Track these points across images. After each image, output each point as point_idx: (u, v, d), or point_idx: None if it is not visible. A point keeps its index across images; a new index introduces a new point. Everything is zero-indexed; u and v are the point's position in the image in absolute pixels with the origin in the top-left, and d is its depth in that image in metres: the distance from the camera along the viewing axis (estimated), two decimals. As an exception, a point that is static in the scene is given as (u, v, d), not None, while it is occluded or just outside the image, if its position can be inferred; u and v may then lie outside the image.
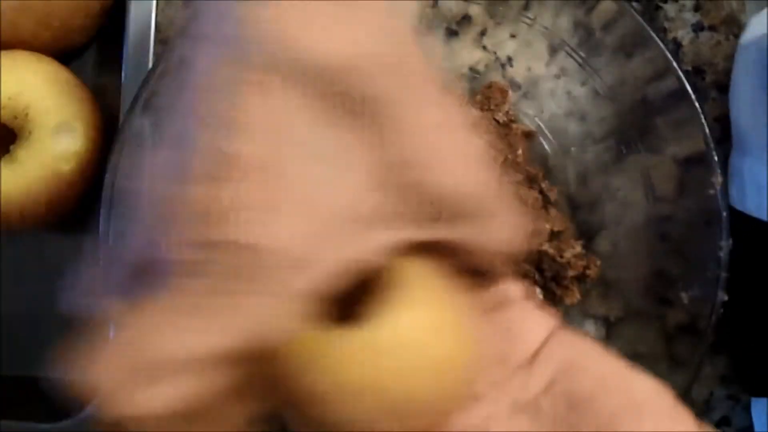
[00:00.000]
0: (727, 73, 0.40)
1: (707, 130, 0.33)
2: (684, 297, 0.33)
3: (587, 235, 0.37)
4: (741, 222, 0.34)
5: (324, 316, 0.22)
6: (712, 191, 0.32)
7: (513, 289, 0.27)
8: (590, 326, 0.37)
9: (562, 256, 0.34)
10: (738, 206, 0.33)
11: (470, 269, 0.26)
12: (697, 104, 0.34)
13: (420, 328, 0.22)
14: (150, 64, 0.37)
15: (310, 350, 0.21)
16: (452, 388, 0.23)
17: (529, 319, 0.26)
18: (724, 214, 0.31)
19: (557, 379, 0.24)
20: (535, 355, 0.25)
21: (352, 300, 0.23)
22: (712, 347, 0.39)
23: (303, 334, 0.21)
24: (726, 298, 0.31)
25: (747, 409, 0.39)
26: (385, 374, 0.21)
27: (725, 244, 0.31)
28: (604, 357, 0.25)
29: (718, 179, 0.32)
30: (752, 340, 0.36)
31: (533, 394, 0.24)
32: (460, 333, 0.23)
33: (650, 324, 0.35)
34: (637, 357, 0.35)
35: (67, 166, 0.35)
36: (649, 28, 0.34)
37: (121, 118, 0.36)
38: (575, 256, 0.35)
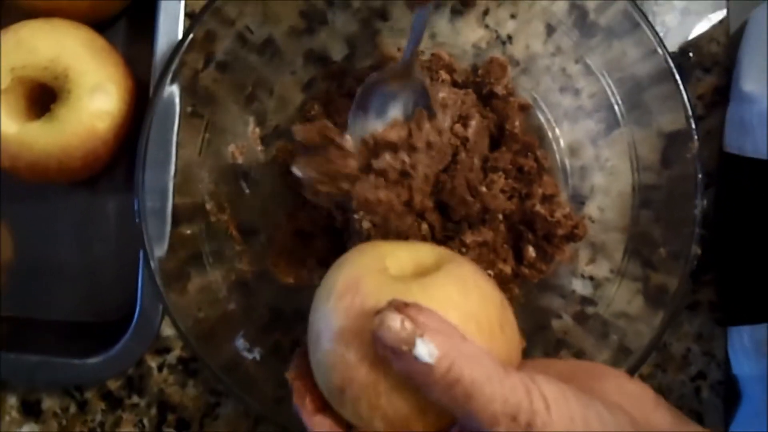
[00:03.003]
0: (711, 55, 0.43)
1: (689, 107, 0.36)
2: (662, 252, 0.36)
3: (578, 200, 0.40)
4: (731, 166, 0.38)
5: None
6: (689, 155, 0.35)
7: None
8: (578, 284, 0.40)
9: (553, 216, 0.37)
10: (734, 150, 0.38)
11: None
12: (680, 83, 0.36)
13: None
14: (179, 35, 0.40)
15: None
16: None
17: None
18: (700, 176, 0.34)
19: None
20: None
21: None
22: (689, 307, 0.42)
23: None
24: (699, 252, 0.34)
25: (721, 365, 0.42)
26: None
27: (699, 202, 0.34)
28: None
29: (695, 146, 0.35)
30: (735, 271, 0.40)
31: None
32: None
33: (633, 285, 0.38)
34: (620, 316, 0.39)
35: (102, 125, 0.38)
36: (639, 12, 0.37)
37: (152, 85, 0.39)
38: (565, 216, 0.38)
